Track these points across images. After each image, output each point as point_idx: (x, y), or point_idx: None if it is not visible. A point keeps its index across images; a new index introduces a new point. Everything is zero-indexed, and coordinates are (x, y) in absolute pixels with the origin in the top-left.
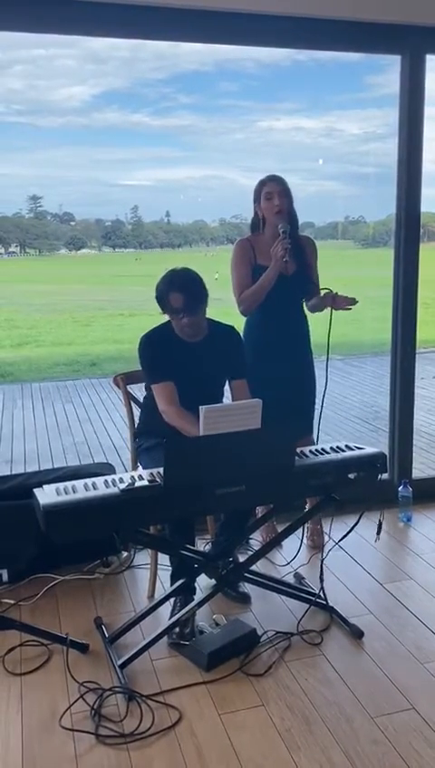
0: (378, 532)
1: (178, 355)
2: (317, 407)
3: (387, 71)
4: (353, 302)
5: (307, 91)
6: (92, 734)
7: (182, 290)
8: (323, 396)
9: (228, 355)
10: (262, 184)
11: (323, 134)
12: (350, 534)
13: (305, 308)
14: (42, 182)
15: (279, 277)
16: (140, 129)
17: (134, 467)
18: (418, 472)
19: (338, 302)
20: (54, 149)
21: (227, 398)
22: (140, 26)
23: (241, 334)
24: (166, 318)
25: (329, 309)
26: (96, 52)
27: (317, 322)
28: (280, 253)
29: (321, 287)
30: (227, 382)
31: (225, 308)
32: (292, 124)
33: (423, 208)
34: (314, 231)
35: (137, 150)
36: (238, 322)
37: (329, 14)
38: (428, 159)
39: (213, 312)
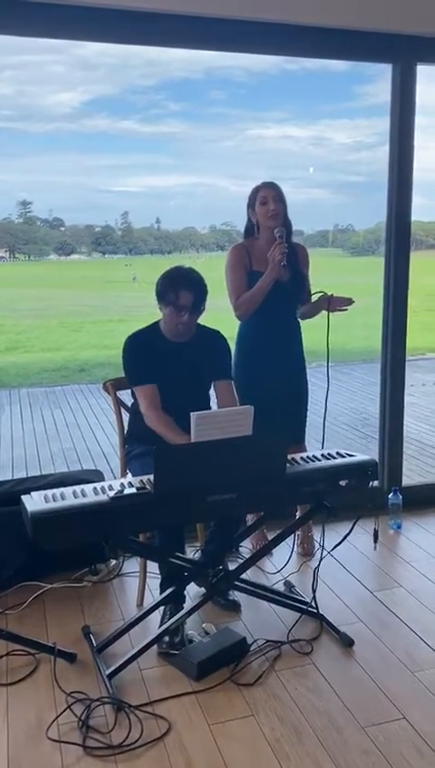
0: (375, 540)
1: (164, 356)
2: (320, 414)
3: (375, 80)
4: (350, 302)
5: (296, 99)
6: (80, 745)
7: (192, 289)
8: (326, 403)
9: (213, 357)
10: (256, 190)
11: (312, 143)
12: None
13: (298, 317)
14: (32, 187)
15: (274, 283)
16: (129, 135)
17: (123, 474)
18: (407, 479)
19: (334, 304)
20: (44, 155)
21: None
22: (131, 32)
23: (235, 340)
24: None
25: (324, 314)
26: (86, 58)
27: (309, 329)
28: (278, 257)
29: (313, 291)
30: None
31: (217, 314)
32: (281, 132)
33: (412, 217)
34: (304, 239)
35: (127, 157)
36: (227, 328)
37: (320, 23)
38: (417, 168)
39: (207, 318)
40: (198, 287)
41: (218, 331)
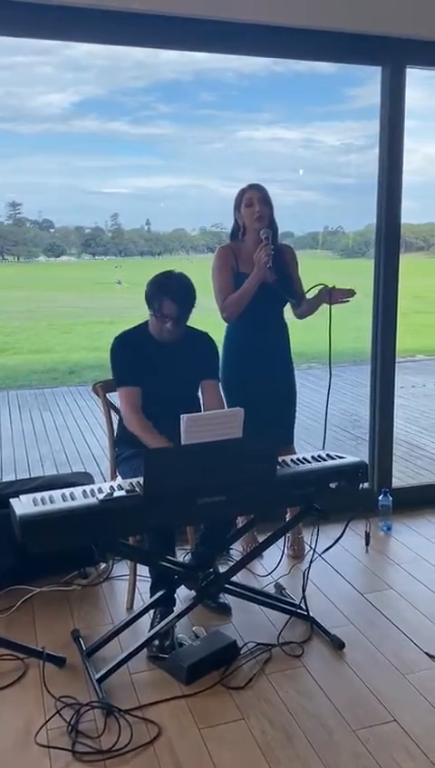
0: (367, 543)
1: (152, 356)
2: (310, 415)
3: (365, 83)
4: (352, 293)
5: (286, 102)
6: (69, 750)
7: (176, 299)
8: (328, 403)
9: (201, 358)
10: (242, 192)
11: (301, 145)
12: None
13: (294, 316)
14: (21, 189)
15: (260, 285)
16: (119, 137)
17: (113, 477)
18: (397, 481)
19: (335, 296)
20: (34, 156)
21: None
22: (120, 33)
23: (222, 342)
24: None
25: (321, 313)
26: (75, 59)
27: (297, 330)
28: (263, 259)
29: (312, 285)
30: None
31: (204, 315)
32: (271, 134)
33: (402, 219)
34: (294, 241)
35: (117, 158)
36: (215, 329)
37: (310, 25)
38: (406, 171)
39: (195, 319)
40: (185, 297)
41: (207, 333)
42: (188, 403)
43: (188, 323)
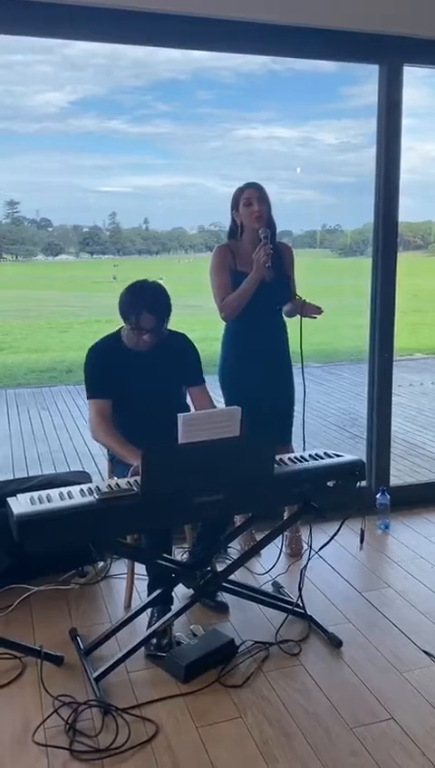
0: (361, 541)
1: (129, 366)
2: (314, 415)
3: (362, 82)
4: (319, 311)
5: (283, 100)
6: (67, 749)
7: (153, 311)
8: (304, 403)
9: (182, 362)
10: (240, 191)
11: (299, 143)
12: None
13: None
14: (19, 188)
15: (259, 284)
16: (117, 135)
17: (111, 476)
18: (395, 479)
19: (305, 310)
20: (31, 155)
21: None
22: (119, 31)
23: (220, 341)
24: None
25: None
26: (73, 58)
27: (295, 331)
28: (263, 258)
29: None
30: (186, 391)
31: (202, 315)
32: (268, 133)
33: (399, 218)
34: (292, 239)
35: (114, 157)
36: (212, 329)
37: (308, 23)
38: (404, 169)
39: (194, 318)
40: (163, 307)
41: (185, 335)
42: (168, 406)
43: (198, 324)
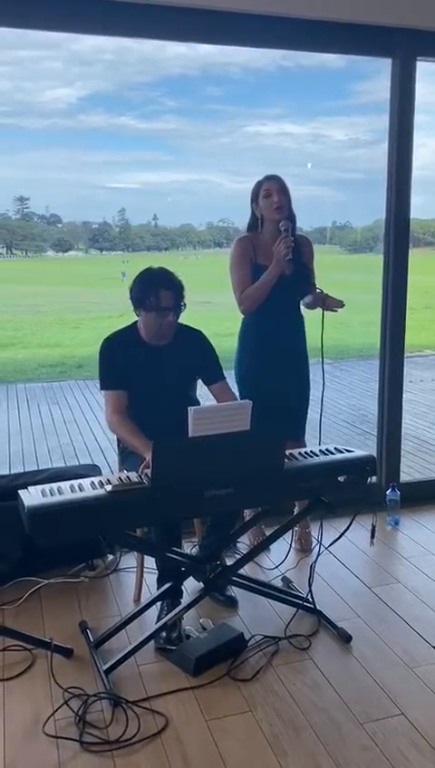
0: (372, 536)
1: (143, 359)
2: (317, 410)
3: (372, 78)
4: (341, 304)
5: (293, 96)
6: (77, 741)
7: (170, 287)
8: (322, 397)
9: (199, 359)
10: (259, 183)
11: (309, 140)
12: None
13: (302, 305)
14: (29, 184)
15: (278, 277)
16: (126, 131)
17: (121, 469)
18: (405, 475)
19: (328, 303)
20: (41, 151)
21: (210, 399)
22: (127, 24)
23: (238, 334)
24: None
25: (320, 310)
26: (82, 54)
27: (310, 325)
28: (283, 251)
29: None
30: (207, 388)
31: (216, 311)
32: (278, 129)
33: (411, 214)
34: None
35: (123, 153)
36: (228, 324)
37: (319, 16)
38: (415, 166)
39: (206, 315)
40: (176, 284)
41: (200, 331)
42: (182, 402)
43: (206, 317)
